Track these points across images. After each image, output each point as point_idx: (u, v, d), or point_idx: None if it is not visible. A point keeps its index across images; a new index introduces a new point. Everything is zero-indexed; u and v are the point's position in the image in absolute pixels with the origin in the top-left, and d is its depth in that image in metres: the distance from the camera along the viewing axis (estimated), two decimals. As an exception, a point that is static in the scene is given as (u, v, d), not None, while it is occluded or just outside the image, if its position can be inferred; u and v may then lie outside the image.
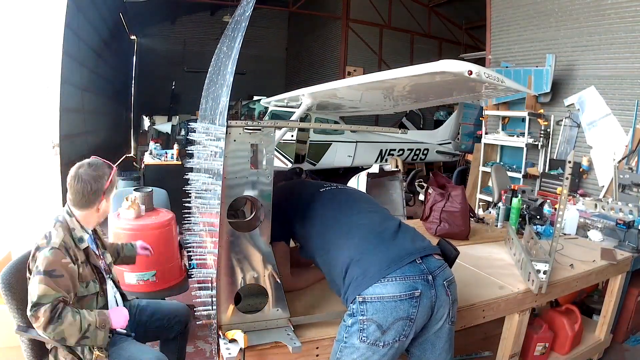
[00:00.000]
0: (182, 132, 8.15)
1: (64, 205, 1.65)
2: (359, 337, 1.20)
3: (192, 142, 1.68)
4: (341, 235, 1.34)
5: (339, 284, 1.30)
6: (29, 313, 1.40)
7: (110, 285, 1.75)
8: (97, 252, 1.71)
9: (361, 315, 1.20)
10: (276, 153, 6.08)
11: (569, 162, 1.96)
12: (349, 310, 1.24)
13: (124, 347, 1.61)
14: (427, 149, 8.78)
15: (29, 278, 1.48)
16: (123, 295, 1.85)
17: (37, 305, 1.39)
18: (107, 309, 1.67)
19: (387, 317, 1.18)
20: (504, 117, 5.54)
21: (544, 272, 1.83)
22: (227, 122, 1.18)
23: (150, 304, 1.91)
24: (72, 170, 1.60)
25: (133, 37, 12.44)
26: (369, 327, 1.19)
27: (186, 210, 1.82)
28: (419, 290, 1.20)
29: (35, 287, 1.40)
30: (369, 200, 1.54)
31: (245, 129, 1.23)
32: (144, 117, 11.43)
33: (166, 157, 5.54)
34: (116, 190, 1.67)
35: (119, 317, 1.58)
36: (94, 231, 1.76)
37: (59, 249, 1.48)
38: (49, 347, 1.58)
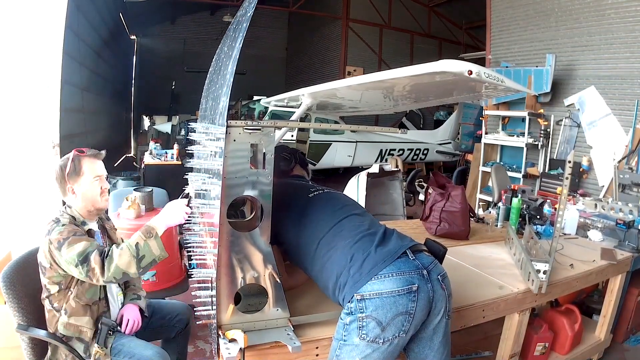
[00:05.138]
0: (182, 132, 8.14)
1: (63, 205, 1.67)
2: (358, 335, 1.20)
3: (192, 142, 1.67)
4: (333, 238, 1.34)
5: (333, 286, 1.30)
6: (82, 272, 1.41)
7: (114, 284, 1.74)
8: (100, 240, 1.70)
9: (360, 312, 1.20)
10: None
11: (569, 162, 1.97)
12: (346, 309, 1.24)
13: (125, 344, 1.61)
14: (427, 149, 8.79)
15: (43, 270, 1.52)
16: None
17: (84, 258, 1.41)
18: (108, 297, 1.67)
19: (386, 313, 1.19)
20: (504, 117, 5.54)
21: (544, 272, 1.83)
22: (227, 122, 1.18)
23: (151, 304, 1.91)
24: None
25: (133, 37, 12.43)
26: (369, 324, 1.19)
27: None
28: (416, 285, 1.21)
29: (73, 250, 1.43)
30: (355, 205, 1.55)
31: (245, 128, 1.23)
32: (144, 117, 11.42)
33: (166, 157, 5.54)
34: (93, 172, 1.62)
35: (172, 212, 1.50)
36: (102, 226, 1.76)
37: (68, 223, 1.54)
38: (51, 346, 1.58)
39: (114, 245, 1.47)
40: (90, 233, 1.62)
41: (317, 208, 1.45)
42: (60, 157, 3.16)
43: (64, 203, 1.66)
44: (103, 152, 1.73)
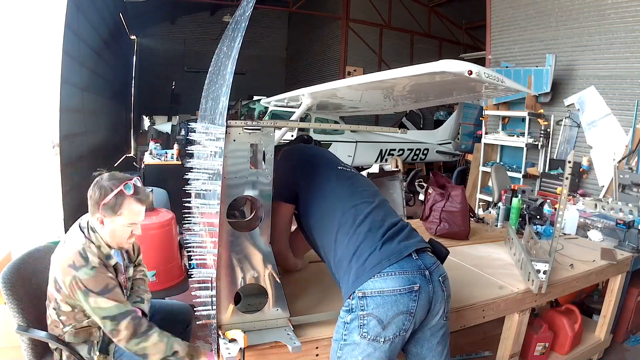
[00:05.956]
0: (182, 132, 8.13)
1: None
2: (359, 333, 1.20)
3: (192, 142, 1.67)
4: (347, 221, 1.33)
5: (334, 263, 1.32)
6: (106, 326, 1.39)
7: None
8: (121, 264, 1.65)
9: (361, 310, 1.20)
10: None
11: (569, 162, 1.97)
12: (346, 306, 1.24)
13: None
14: (427, 149, 8.78)
15: (58, 289, 1.45)
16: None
17: (113, 317, 1.38)
18: None
19: (387, 311, 1.19)
20: (504, 117, 5.54)
21: (544, 272, 1.83)
22: (226, 122, 1.18)
23: (152, 304, 1.90)
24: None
25: (133, 37, 12.43)
26: (370, 322, 1.19)
27: (186, 210, 1.82)
28: (418, 285, 1.21)
29: (104, 308, 1.39)
30: (376, 193, 1.52)
31: (245, 128, 1.23)
32: (144, 117, 11.42)
33: (166, 157, 5.54)
34: (131, 218, 1.49)
35: None
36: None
37: (99, 266, 1.46)
38: (52, 347, 1.57)
39: (155, 328, 1.43)
40: (116, 267, 1.57)
41: (341, 184, 1.45)
42: (61, 157, 3.18)
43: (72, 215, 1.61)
44: (151, 195, 1.63)
